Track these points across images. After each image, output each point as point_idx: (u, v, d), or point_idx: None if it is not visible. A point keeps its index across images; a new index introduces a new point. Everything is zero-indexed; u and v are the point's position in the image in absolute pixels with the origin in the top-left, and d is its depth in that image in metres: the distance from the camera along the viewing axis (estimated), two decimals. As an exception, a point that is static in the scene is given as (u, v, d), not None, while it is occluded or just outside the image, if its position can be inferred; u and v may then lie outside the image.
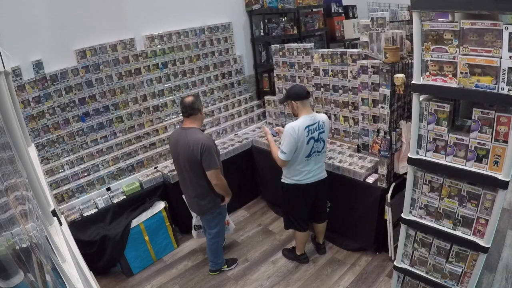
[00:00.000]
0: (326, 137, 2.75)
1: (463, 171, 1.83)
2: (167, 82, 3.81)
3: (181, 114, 3.82)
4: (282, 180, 2.86)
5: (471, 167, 1.81)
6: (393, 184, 2.82)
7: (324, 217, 3.11)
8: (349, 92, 3.22)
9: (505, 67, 1.53)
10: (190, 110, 2.65)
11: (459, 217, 1.95)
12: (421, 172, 2.05)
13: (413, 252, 2.26)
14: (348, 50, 3.23)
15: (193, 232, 3.21)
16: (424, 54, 1.79)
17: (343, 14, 5.60)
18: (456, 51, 1.67)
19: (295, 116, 2.72)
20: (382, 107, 2.72)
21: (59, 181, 3.14)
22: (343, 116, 3.38)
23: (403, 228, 2.24)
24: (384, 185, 2.84)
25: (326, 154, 2.95)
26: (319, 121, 2.66)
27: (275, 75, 4.03)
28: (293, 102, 2.68)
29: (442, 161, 1.91)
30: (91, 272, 1.83)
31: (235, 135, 4.24)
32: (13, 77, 2.75)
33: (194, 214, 3.13)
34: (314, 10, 5.11)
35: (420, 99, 1.92)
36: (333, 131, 3.52)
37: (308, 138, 2.61)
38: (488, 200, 1.81)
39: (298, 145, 2.60)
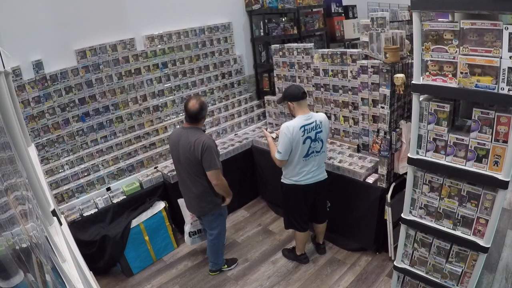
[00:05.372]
0: (325, 137, 2.73)
1: (463, 171, 1.83)
2: (167, 82, 3.81)
3: (181, 114, 3.85)
4: (281, 181, 2.85)
5: (471, 167, 1.81)
6: (393, 184, 2.82)
7: (324, 218, 3.10)
8: (349, 92, 3.22)
9: (505, 67, 1.53)
10: (195, 120, 2.63)
11: (459, 217, 1.95)
12: (421, 172, 2.05)
13: (413, 252, 2.26)
14: (348, 50, 3.23)
15: (187, 239, 3.19)
16: (424, 54, 1.79)
17: (343, 14, 5.60)
18: (456, 51, 1.67)
19: (293, 116, 2.72)
20: (382, 107, 2.72)
21: (59, 181, 3.14)
22: (343, 116, 3.38)
23: (403, 228, 2.24)
24: (384, 185, 2.84)
25: (327, 154, 2.95)
26: (316, 120, 2.65)
27: (275, 75, 4.03)
28: (289, 103, 2.68)
29: (442, 161, 1.91)
30: (91, 272, 1.83)
31: (235, 135, 4.24)
32: (13, 77, 2.75)
33: (188, 220, 3.12)
34: (314, 10, 5.11)
35: (420, 99, 1.92)
36: (333, 131, 3.52)
37: (304, 138, 2.60)
38: (488, 200, 1.80)
39: (294, 145, 2.60)
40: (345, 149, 3.36)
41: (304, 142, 2.61)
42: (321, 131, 2.67)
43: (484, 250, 1.87)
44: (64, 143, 3.22)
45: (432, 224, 2.08)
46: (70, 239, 1.52)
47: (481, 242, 1.87)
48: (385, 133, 2.77)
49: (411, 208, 2.16)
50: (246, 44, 4.59)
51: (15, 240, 0.58)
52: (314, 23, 4.95)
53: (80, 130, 3.28)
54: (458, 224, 1.97)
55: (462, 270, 2.04)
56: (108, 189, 3.35)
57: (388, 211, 2.81)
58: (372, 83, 2.93)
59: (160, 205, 3.33)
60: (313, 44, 3.59)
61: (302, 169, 2.70)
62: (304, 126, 2.60)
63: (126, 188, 3.34)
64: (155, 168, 3.64)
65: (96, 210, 3.15)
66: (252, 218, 3.97)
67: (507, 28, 1.48)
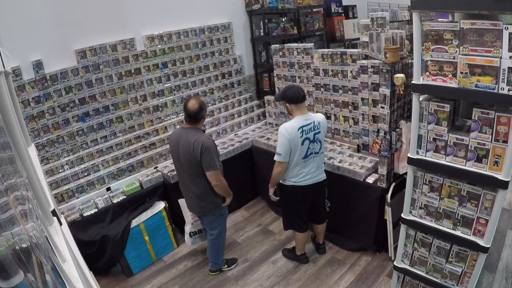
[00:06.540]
0: (323, 138, 2.73)
1: (463, 171, 1.83)
2: (167, 82, 3.81)
3: (181, 114, 3.85)
4: (280, 181, 2.85)
5: (471, 167, 1.81)
6: (393, 184, 2.82)
7: (324, 218, 3.10)
8: (349, 92, 3.22)
9: (505, 67, 1.53)
10: (194, 120, 2.62)
11: (459, 217, 1.95)
12: (421, 172, 2.05)
13: (413, 252, 2.26)
14: (348, 50, 3.23)
15: (188, 239, 3.19)
16: (424, 54, 1.79)
17: (343, 14, 5.60)
18: (456, 51, 1.67)
19: (290, 115, 2.72)
20: (382, 107, 2.72)
21: (59, 181, 3.14)
22: (343, 116, 3.38)
23: (403, 228, 2.24)
24: (384, 185, 2.84)
25: (325, 155, 2.94)
26: (314, 121, 2.64)
27: (275, 75, 4.03)
28: (287, 104, 2.67)
29: (442, 161, 1.91)
30: (91, 272, 1.83)
31: (235, 135, 4.24)
32: (13, 77, 2.75)
33: (188, 220, 3.12)
34: (314, 10, 5.11)
35: (420, 99, 1.92)
36: (333, 131, 3.52)
37: (302, 139, 2.60)
38: (488, 200, 1.81)
39: (292, 146, 2.59)
40: (345, 149, 3.36)
41: (302, 143, 2.61)
42: (319, 132, 2.67)
43: (484, 250, 1.87)
44: (64, 143, 3.22)
45: (432, 224, 2.08)
46: (70, 239, 1.52)
47: (481, 242, 1.87)
48: (385, 133, 2.77)
49: (411, 208, 2.16)
50: (246, 44, 4.59)
51: (15, 240, 0.58)
52: (314, 23, 4.95)
53: (80, 130, 3.28)
54: (458, 224, 1.97)
55: (462, 270, 2.04)
56: (108, 189, 3.35)
57: (388, 211, 2.81)
58: (372, 83, 2.93)
59: (160, 205, 3.33)
60: (313, 44, 3.59)
61: (301, 170, 2.70)
62: (302, 127, 2.59)
63: (126, 188, 3.34)
64: (155, 168, 3.64)
65: (96, 210, 3.15)
66: (252, 218, 3.97)
67: (507, 28, 1.48)
